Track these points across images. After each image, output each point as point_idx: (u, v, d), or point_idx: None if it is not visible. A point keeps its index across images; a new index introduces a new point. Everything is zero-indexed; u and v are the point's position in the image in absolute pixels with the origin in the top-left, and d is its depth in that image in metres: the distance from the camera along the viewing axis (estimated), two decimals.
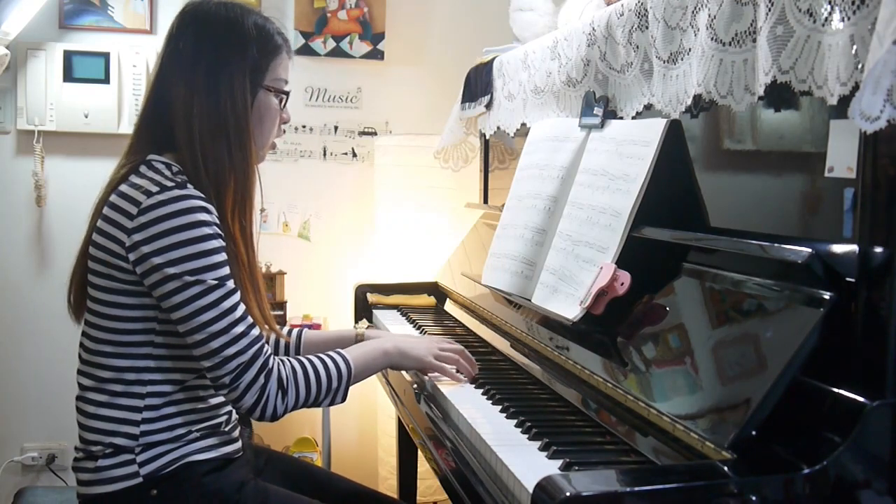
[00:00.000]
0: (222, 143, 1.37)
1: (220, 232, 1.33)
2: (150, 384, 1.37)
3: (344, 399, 1.45)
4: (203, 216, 1.30)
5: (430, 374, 1.59)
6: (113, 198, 1.34)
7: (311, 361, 1.41)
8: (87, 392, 1.38)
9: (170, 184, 1.31)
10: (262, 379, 1.33)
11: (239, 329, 1.31)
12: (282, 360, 1.38)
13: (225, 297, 1.31)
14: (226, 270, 1.32)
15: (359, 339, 1.73)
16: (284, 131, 1.53)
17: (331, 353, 1.45)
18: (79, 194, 2.77)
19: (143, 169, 1.36)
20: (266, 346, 1.35)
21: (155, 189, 1.30)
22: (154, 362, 1.37)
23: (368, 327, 1.84)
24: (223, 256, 1.32)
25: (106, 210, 1.34)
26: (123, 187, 1.34)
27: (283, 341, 1.70)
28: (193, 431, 1.40)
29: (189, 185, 1.33)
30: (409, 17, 3.02)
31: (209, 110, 1.36)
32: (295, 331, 1.75)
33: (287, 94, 1.47)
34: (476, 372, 1.59)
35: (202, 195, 1.33)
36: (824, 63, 0.97)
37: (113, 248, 1.33)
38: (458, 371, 1.58)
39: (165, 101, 1.39)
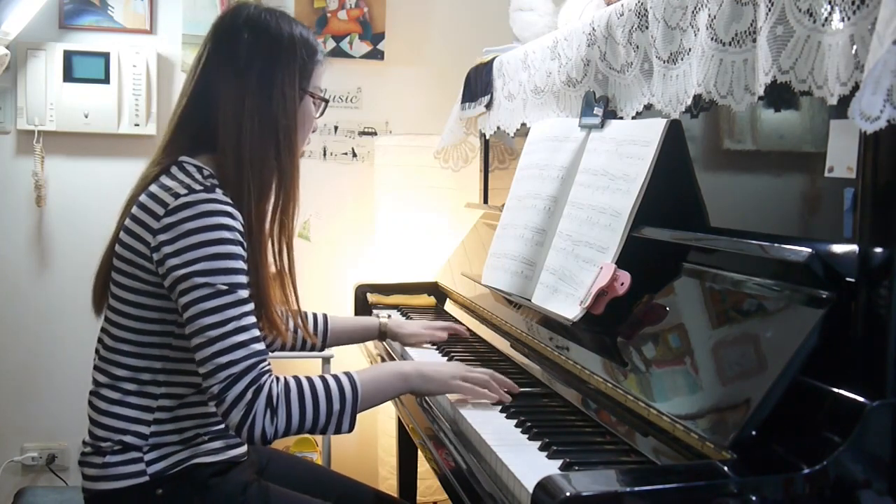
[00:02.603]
0: (270, 143, 1.37)
1: (241, 240, 1.31)
2: (165, 385, 1.36)
3: (351, 428, 1.34)
4: (226, 220, 1.29)
5: (454, 398, 1.46)
6: (142, 198, 1.34)
7: (310, 381, 1.32)
8: (101, 388, 1.38)
9: (198, 187, 1.31)
10: (249, 395, 1.25)
11: (237, 338, 1.26)
12: (277, 378, 1.29)
13: (232, 304, 1.27)
14: (240, 278, 1.29)
15: (382, 328, 1.74)
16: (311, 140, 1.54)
17: (337, 373, 1.37)
18: (79, 194, 2.79)
19: (174, 170, 1.36)
20: (265, 362, 1.29)
21: (183, 192, 1.30)
22: (171, 364, 1.36)
23: (390, 317, 1.81)
24: (240, 264, 1.29)
25: (135, 210, 1.34)
26: (153, 188, 1.34)
27: (309, 342, 1.73)
28: (202, 435, 1.40)
29: (217, 190, 1.32)
30: (409, 17, 3.02)
31: (261, 109, 1.36)
32: (320, 316, 1.76)
33: (327, 101, 1.49)
34: (517, 391, 1.45)
35: (229, 200, 1.32)
36: (824, 63, 0.97)
37: (139, 248, 1.33)
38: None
39: (210, 100, 1.38)
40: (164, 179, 1.34)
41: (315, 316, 1.78)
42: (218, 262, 1.27)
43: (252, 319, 1.30)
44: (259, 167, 1.36)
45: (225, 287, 1.27)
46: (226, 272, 1.27)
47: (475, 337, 1.94)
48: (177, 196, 1.30)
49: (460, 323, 2.09)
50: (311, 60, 1.44)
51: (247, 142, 1.36)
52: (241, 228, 1.31)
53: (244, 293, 1.29)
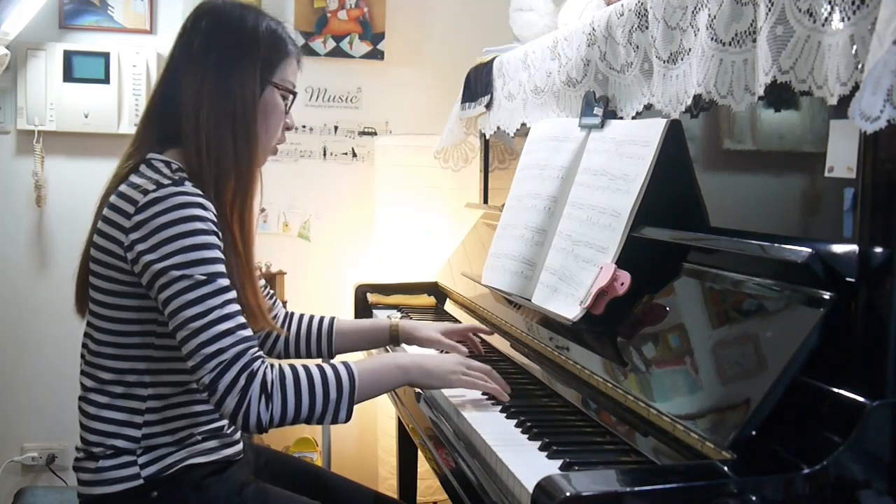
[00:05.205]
0: (228, 131, 1.36)
1: (216, 229, 1.30)
2: (151, 386, 1.36)
3: (348, 417, 1.32)
4: (198, 212, 1.28)
5: (454, 399, 1.45)
6: (113, 198, 1.33)
7: (306, 368, 1.31)
8: (89, 393, 1.38)
9: (166, 181, 1.30)
10: (242, 381, 1.23)
11: (223, 327, 1.25)
12: (271, 365, 1.29)
13: (213, 293, 1.26)
14: (218, 267, 1.28)
15: (392, 330, 1.71)
16: (286, 138, 1.52)
17: (334, 362, 1.37)
18: (79, 194, 2.79)
19: (142, 168, 1.35)
20: (255, 348, 1.28)
21: (152, 187, 1.29)
22: (155, 364, 1.36)
23: (402, 317, 1.79)
24: (216, 253, 1.29)
25: (106, 211, 1.34)
26: (123, 188, 1.33)
27: (277, 335, 1.68)
28: (195, 435, 1.39)
29: (187, 183, 1.31)
30: (409, 17, 3.02)
31: (217, 98, 1.36)
32: (326, 319, 1.72)
33: (294, 94, 1.47)
34: (509, 391, 1.44)
35: (200, 192, 1.31)
36: (824, 63, 0.97)
37: (112, 249, 1.32)
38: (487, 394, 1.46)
39: (174, 93, 1.39)
40: (133, 178, 1.33)
41: (321, 319, 1.74)
42: (194, 254, 1.26)
43: (236, 307, 1.29)
44: (216, 155, 1.35)
45: (203, 277, 1.26)
46: (203, 262, 1.26)
47: (491, 349, 1.81)
48: (146, 192, 1.29)
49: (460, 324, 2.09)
50: (278, 52, 1.42)
51: (203, 128, 1.35)
52: (213, 218, 1.30)
53: (224, 281, 1.28)
